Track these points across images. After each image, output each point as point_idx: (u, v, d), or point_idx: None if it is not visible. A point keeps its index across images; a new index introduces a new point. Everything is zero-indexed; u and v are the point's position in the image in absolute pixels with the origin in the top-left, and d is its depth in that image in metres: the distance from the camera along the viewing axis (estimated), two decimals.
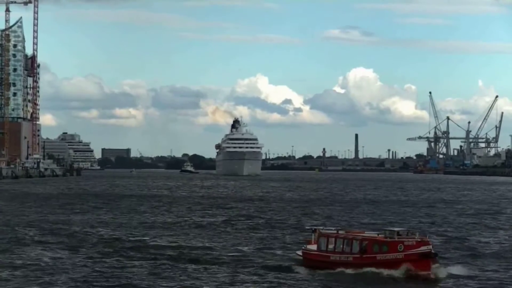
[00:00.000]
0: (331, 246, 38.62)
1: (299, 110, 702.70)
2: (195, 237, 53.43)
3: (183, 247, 47.40)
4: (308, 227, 40.81)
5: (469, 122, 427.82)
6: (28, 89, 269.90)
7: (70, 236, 53.85)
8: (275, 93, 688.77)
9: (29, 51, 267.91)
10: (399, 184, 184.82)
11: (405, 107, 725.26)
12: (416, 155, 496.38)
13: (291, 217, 71.78)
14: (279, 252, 45.19)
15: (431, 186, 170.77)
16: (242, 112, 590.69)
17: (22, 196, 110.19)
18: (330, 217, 72.13)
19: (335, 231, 40.03)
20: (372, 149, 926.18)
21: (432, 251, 36.23)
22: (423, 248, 36.02)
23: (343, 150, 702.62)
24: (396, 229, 38.04)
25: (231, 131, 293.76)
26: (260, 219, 69.37)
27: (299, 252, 41.07)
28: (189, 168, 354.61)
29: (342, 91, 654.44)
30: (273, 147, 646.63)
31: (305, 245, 40.85)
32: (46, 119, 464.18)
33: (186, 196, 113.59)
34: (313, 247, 39.85)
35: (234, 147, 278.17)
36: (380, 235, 37.91)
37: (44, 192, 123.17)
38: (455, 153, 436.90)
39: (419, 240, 36.58)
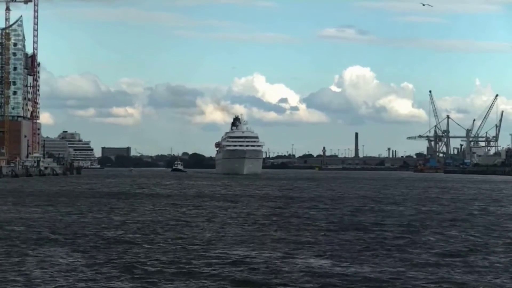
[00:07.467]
0: None
1: (295, 108, 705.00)
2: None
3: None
4: None
5: (474, 120, 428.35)
6: (28, 87, 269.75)
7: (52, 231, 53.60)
8: (272, 92, 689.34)
9: (29, 49, 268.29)
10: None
11: (402, 106, 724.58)
12: (416, 154, 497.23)
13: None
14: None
15: None
16: (239, 111, 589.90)
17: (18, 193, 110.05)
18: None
19: None
20: (372, 148, 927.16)
21: None
22: None
23: (343, 149, 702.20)
24: None
25: (231, 129, 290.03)
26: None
27: None
28: (179, 167, 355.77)
29: (339, 89, 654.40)
30: (271, 145, 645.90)
31: None
32: (44, 118, 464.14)
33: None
34: None
35: (235, 145, 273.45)
36: None
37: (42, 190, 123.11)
38: (455, 152, 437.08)
39: None
